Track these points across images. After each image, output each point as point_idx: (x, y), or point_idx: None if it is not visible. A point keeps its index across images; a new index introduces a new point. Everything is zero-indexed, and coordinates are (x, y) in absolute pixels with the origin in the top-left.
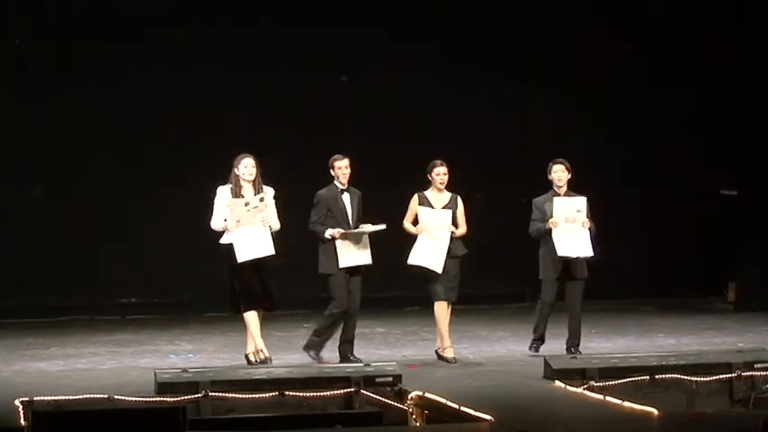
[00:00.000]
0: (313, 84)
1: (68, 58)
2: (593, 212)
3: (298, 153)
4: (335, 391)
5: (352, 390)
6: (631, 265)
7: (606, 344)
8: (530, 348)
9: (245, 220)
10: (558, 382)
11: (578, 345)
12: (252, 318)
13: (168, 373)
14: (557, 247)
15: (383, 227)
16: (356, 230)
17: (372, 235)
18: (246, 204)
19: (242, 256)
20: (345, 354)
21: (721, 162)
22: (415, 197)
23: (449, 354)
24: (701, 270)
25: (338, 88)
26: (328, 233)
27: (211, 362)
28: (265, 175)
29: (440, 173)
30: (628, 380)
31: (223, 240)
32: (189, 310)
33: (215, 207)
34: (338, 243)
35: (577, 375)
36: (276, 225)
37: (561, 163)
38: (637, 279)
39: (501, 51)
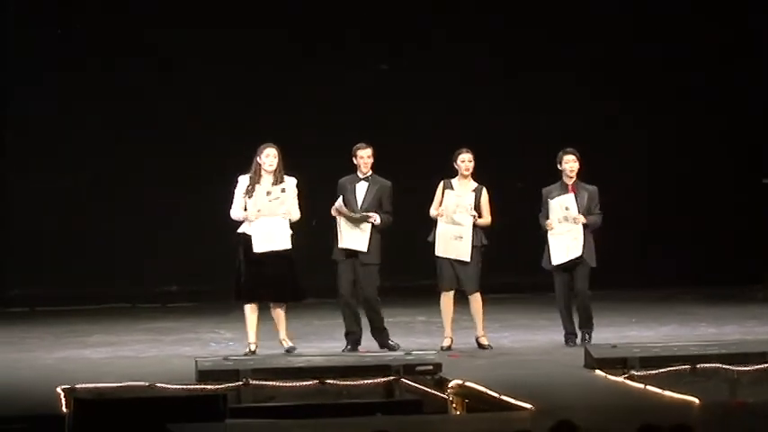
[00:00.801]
0: (342, 71)
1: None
2: (609, 203)
3: (325, 142)
4: (376, 380)
5: (393, 378)
6: (672, 254)
7: (647, 333)
8: (566, 343)
9: (266, 209)
10: (598, 371)
11: (591, 330)
12: (247, 310)
13: (209, 361)
14: (552, 257)
15: (374, 217)
16: (347, 212)
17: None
18: (268, 194)
19: (259, 246)
20: (381, 342)
21: (764, 150)
22: (441, 184)
23: (445, 342)
24: (744, 259)
25: (372, 75)
26: (333, 210)
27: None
28: (288, 166)
29: (465, 160)
30: (669, 369)
31: (240, 230)
32: (229, 298)
33: (235, 196)
34: (340, 224)
35: (618, 364)
36: (296, 215)
37: (572, 153)
38: (678, 268)
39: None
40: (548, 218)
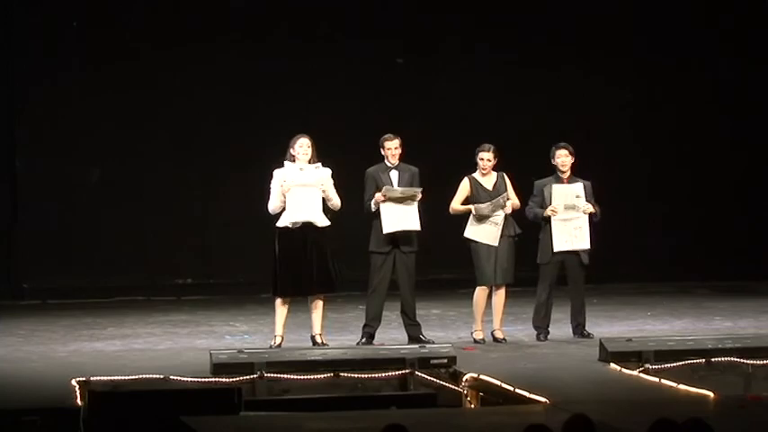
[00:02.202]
0: (370, 64)
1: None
2: (605, 196)
3: (355, 133)
4: (390, 373)
5: (407, 371)
6: (687, 247)
7: (662, 326)
8: (536, 338)
9: (299, 179)
10: (613, 365)
11: (584, 325)
12: (279, 302)
13: (224, 354)
14: (554, 241)
15: (419, 190)
16: (398, 191)
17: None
18: (301, 169)
19: (292, 217)
20: (414, 336)
21: None
22: (466, 181)
23: (477, 335)
24: (759, 253)
25: (394, 69)
26: (373, 201)
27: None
28: (322, 157)
29: (483, 158)
30: (684, 363)
31: (279, 223)
32: (244, 291)
33: (272, 190)
34: (382, 208)
35: (633, 358)
36: (337, 202)
37: (565, 147)
38: (693, 262)
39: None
40: (543, 206)
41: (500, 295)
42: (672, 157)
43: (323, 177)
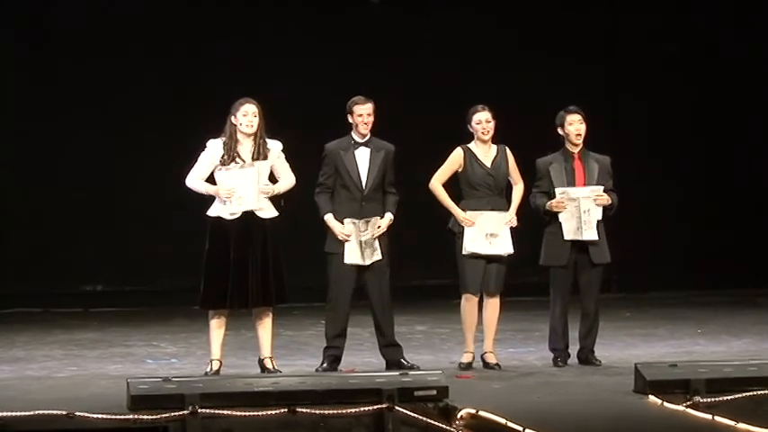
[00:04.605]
0: (333, 7)
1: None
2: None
3: (312, 97)
4: (362, 408)
5: (384, 406)
6: (748, 248)
7: (716, 348)
8: (554, 364)
9: (243, 186)
10: (653, 398)
11: (593, 350)
12: (213, 317)
13: (145, 383)
14: (564, 230)
15: (384, 224)
16: (365, 227)
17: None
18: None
19: (227, 205)
20: (393, 361)
21: None
22: (459, 151)
23: (465, 359)
24: None
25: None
26: (328, 221)
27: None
28: (270, 128)
29: (481, 120)
30: (744, 395)
31: (210, 212)
32: (171, 302)
33: (198, 161)
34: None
35: (678, 389)
36: (291, 179)
37: (577, 112)
38: (756, 265)
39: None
40: (550, 193)
41: (492, 307)
42: (724, 154)
43: (271, 157)
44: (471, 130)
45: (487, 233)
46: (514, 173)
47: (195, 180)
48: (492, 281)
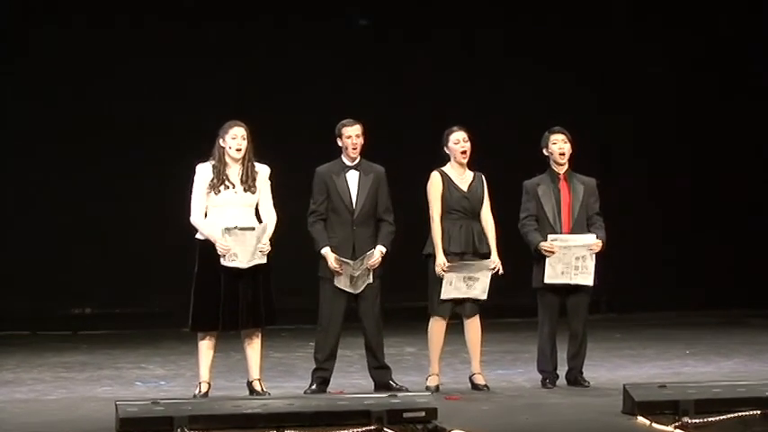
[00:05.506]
0: (322, 29)
1: None
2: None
3: (302, 120)
4: (351, 430)
5: (373, 428)
6: (738, 269)
7: (705, 368)
8: (542, 385)
9: (241, 244)
10: (641, 419)
11: (582, 371)
12: (203, 340)
13: (134, 406)
14: (546, 270)
15: (376, 259)
16: (358, 264)
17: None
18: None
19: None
20: (382, 383)
21: None
22: (436, 175)
23: (431, 382)
24: None
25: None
26: (323, 252)
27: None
28: (258, 152)
29: (459, 140)
30: (733, 415)
31: (199, 235)
32: (160, 324)
33: (194, 191)
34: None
35: (667, 410)
36: (271, 215)
37: (561, 132)
38: (745, 283)
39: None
40: (542, 209)
41: (473, 328)
42: (722, 169)
43: (259, 180)
44: (448, 151)
45: (467, 276)
46: (486, 206)
47: (199, 218)
48: (467, 305)
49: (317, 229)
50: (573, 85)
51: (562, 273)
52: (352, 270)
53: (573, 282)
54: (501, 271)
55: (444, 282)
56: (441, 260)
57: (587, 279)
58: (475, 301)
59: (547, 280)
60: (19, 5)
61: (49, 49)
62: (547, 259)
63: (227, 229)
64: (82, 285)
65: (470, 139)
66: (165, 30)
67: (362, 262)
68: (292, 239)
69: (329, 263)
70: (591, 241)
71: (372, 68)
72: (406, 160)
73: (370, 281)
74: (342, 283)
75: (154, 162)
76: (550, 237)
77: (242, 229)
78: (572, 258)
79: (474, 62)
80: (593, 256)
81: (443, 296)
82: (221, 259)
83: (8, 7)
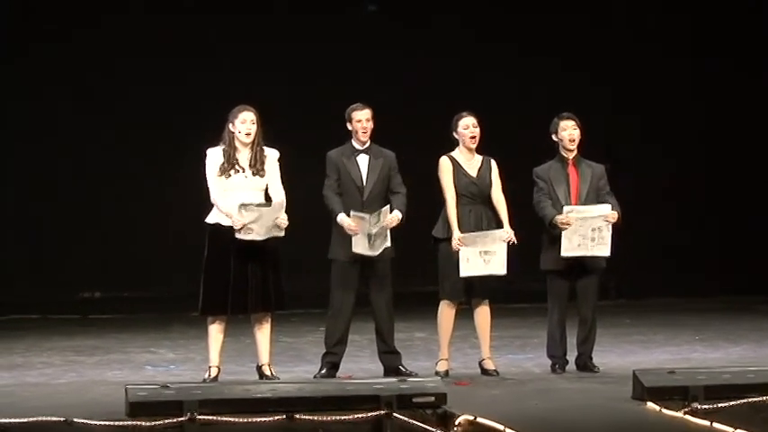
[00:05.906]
0: (332, 15)
1: None
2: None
3: (311, 105)
4: (360, 414)
5: (383, 412)
6: (747, 255)
7: (714, 354)
8: (552, 370)
9: (258, 220)
10: (651, 405)
11: (591, 356)
12: (213, 324)
13: (144, 390)
14: (563, 242)
15: (393, 219)
16: (374, 220)
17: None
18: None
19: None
20: (391, 367)
21: None
22: (446, 161)
23: (440, 367)
24: None
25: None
26: (339, 219)
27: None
28: (268, 136)
29: (468, 125)
30: (742, 401)
31: (209, 219)
32: (170, 308)
33: (208, 174)
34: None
35: (677, 395)
36: (280, 196)
37: (571, 118)
38: (754, 272)
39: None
40: (555, 193)
41: (483, 313)
42: (728, 157)
43: (268, 164)
44: (457, 137)
45: (482, 251)
46: (497, 188)
47: (219, 196)
48: (477, 286)
49: (333, 199)
50: (587, 85)
51: (578, 245)
52: (369, 227)
53: (590, 253)
54: (514, 241)
55: (461, 259)
56: (457, 234)
57: (604, 249)
58: (496, 278)
59: (563, 253)
60: (19, 6)
61: (50, 50)
62: (563, 233)
63: (244, 205)
64: (91, 269)
65: (479, 124)
66: (165, 29)
67: (378, 218)
68: (302, 224)
69: (346, 226)
70: (607, 211)
71: (381, 55)
72: (415, 146)
73: (388, 243)
74: (360, 246)
75: (161, 149)
76: (566, 208)
77: (258, 205)
78: (588, 230)
79: (482, 49)
80: (610, 226)
81: (462, 274)
82: (236, 234)
83: (8, 7)
